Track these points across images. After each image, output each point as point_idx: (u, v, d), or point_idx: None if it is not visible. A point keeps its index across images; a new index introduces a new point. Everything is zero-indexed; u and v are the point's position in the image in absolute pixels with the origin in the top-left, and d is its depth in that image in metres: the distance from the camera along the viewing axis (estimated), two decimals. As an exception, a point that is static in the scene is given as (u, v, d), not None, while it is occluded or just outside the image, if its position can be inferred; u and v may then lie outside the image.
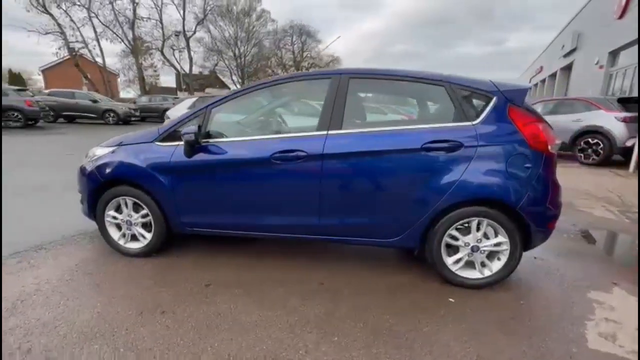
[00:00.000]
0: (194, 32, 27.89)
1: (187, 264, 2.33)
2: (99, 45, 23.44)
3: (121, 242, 2.41)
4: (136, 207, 2.35)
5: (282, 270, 2.28)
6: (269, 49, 36.71)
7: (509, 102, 1.96)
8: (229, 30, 32.13)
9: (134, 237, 2.41)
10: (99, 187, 2.35)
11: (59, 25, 20.92)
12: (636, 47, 8.77)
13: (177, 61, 28.68)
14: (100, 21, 22.91)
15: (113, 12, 23.54)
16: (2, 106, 11.00)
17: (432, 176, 1.94)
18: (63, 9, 20.60)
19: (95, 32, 22.87)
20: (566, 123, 6.98)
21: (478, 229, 1.99)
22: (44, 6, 19.87)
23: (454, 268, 2.07)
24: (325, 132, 2.04)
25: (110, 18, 23.39)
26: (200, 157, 2.15)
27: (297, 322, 1.72)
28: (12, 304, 1.80)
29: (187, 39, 27.43)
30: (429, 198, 1.95)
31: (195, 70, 31.67)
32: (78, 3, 21.02)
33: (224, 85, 35.64)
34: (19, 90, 12.10)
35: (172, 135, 2.25)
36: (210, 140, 2.17)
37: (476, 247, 2.01)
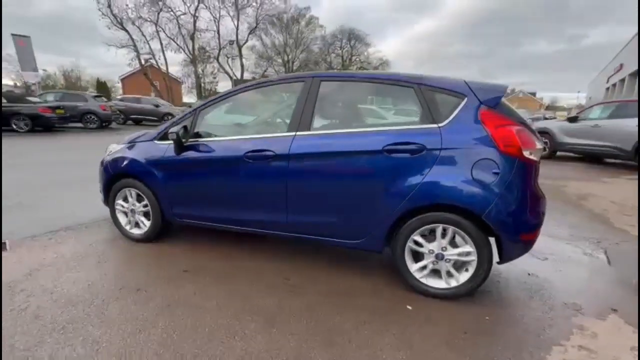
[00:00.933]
0: (246, 41, 29.76)
1: (177, 251, 2.58)
2: (164, 55, 26.32)
3: (127, 227, 2.76)
4: (139, 198, 2.66)
5: (258, 263, 2.41)
6: (317, 54, 37.59)
7: (481, 103, 1.85)
8: (278, 37, 33.62)
9: (136, 224, 2.74)
10: (111, 179, 2.72)
11: (132, 39, 24.05)
12: None
13: (230, 68, 30.84)
14: (166, 34, 25.69)
15: (177, 26, 26.17)
16: (83, 110, 12.97)
17: (393, 179, 1.90)
18: (136, 26, 23.60)
19: (161, 44, 25.78)
20: (628, 128, 6.08)
21: (444, 236, 1.90)
22: (121, 24, 23.01)
23: (418, 275, 2.00)
24: (293, 134, 2.12)
25: (175, 31, 26.08)
26: (186, 154, 2.38)
27: (247, 311, 1.82)
28: (29, 271, 2.19)
29: (240, 47, 29.34)
30: (390, 201, 1.92)
31: (248, 76, 33.66)
32: (149, 20, 23.88)
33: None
34: (95, 96, 14.14)
35: (167, 134, 2.52)
36: (199, 140, 2.39)
37: (441, 255, 1.92)
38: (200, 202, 2.46)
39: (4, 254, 2.43)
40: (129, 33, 23.68)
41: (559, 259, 2.61)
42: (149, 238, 2.70)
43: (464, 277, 1.92)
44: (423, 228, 1.91)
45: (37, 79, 17.01)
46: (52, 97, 13.14)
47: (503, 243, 1.83)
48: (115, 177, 2.70)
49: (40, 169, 5.49)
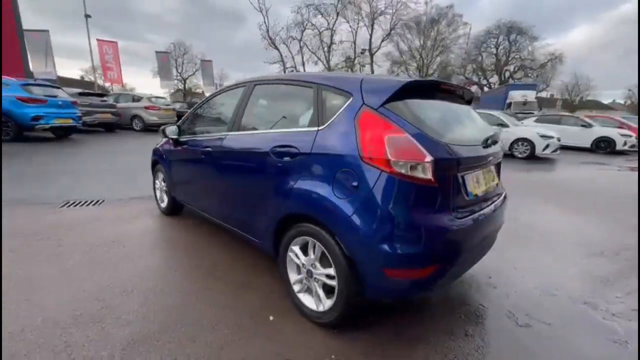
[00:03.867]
0: (378, 48, 30.35)
1: (187, 226, 3.23)
2: (303, 68, 30.11)
3: (159, 202, 3.62)
4: (164, 179, 3.46)
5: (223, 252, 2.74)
6: (459, 55, 34.27)
7: (363, 104, 1.56)
8: (415, 41, 32.60)
9: (162, 200, 3.56)
10: (152, 163, 3.64)
11: (281, 56, 28.77)
12: None
13: (361, 76, 32.21)
14: (308, 49, 29.42)
15: (319, 40, 29.50)
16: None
17: (277, 182, 1.85)
18: (285, 44, 28.18)
19: (302, 57, 29.72)
20: None
21: (315, 252, 1.71)
22: (274, 44, 27.99)
23: (296, 289, 1.85)
24: (227, 133, 2.34)
25: (316, 46, 29.54)
26: (175, 148, 2.97)
27: (137, 285, 2.12)
28: (89, 220, 3.27)
29: (372, 55, 30.21)
30: (273, 205, 1.88)
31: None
32: (296, 38, 28.01)
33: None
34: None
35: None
36: (181, 137, 2.92)
37: (310, 272, 1.73)
38: (183, 187, 3.00)
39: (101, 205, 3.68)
40: (279, 51, 28.65)
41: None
42: (165, 213, 3.46)
43: (328, 303, 1.66)
44: (299, 238, 1.77)
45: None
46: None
47: (361, 274, 1.49)
48: (154, 162, 3.60)
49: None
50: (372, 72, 30.89)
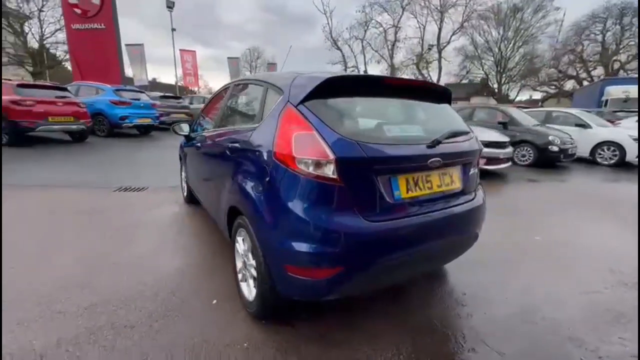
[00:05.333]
0: (448, 42, 28.22)
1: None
2: (365, 68, 29.80)
3: (182, 192, 4.08)
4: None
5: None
6: (551, 45, 29.73)
7: (288, 101, 1.58)
8: (492, 32, 29.43)
9: (184, 190, 4.01)
10: (179, 157, 4.11)
11: (343, 56, 28.94)
12: None
13: (428, 73, 30.40)
14: (371, 47, 28.96)
15: (384, 38, 28.82)
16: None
17: (227, 176, 1.96)
18: (348, 45, 28.25)
19: (364, 57, 29.37)
20: None
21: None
22: (337, 45, 28.30)
23: (239, 277, 1.95)
24: (213, 130, 2.55)
25: (380, 44, 28.92)
26: (187, 143, 3.33)
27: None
28: (128, 204, 3.88)
29: (440, 51, 28.27)
30: (224, 198, 2.01)
31: (450, 79, 32.01)
32: (359, 38, 27.87)
33: (494, 93, 32.56)
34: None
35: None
36: (193, 133, 3.26)
37: (245, 263, 1.81)
38: (190, 177, 3.35)
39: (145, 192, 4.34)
40: (342, 52, 28.85)
41: None
42: (186, 201, 3.89)
43: (254, 293, 1.72)
44: (240, 230, 1.87)
45: None
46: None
47: (269, 268, 1.51)
48: (179, 156, 4.07)
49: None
50: (440, 68, 28.95)
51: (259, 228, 1.54)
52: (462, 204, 1.77)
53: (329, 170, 1.37)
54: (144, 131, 11.05)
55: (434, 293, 2.11)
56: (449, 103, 2.09)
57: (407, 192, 1.54)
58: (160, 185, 4.62)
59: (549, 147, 7.19)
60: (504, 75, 30.31)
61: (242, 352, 1.54)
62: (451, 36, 27.90)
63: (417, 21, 28.41)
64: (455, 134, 1.77)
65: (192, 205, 3.80)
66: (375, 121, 1.64)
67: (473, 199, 1.86)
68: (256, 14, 77.46)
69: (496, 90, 30.79)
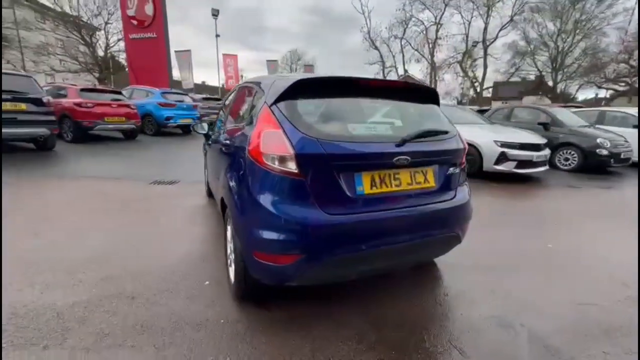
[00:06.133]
0: (495, 38, 26.44)
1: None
2: (403, 66, 29.04)
3: (205, 185, 4.45)
4: (207, 166, 4.26)
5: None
6: (619, 37, 26.52)
7: (265, 101, 1.74)
8: (548, 25, 27.00)
9: (205, 184, 4.36)
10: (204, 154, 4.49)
11: (381, 56, 28.46)
12: None
13: (472, 72, 28.78)
14: (411, 46, 28.16)
15: (425, 36, 27.87)
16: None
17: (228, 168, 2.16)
18: (386, 44, 27.75)
19: (403, 56, 28.62)
20: None
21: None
22: (374, 45, 27.95)
23: (228, 261, 2.14)
24: (224, 127, 2.80)
25: (420, 43, 28.00)
26: (207, 142, 3.65)
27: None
28: (158, 195, 4.33)
29: (486, 48, 26.58)
30: (221, 189, 2.22)
31: (499, 77, 30.02)
32: (398, 37, 27.26)
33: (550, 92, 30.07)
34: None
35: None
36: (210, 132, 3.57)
37: (232, 248, 2.00)
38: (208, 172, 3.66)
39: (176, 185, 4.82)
40: (379, 51, 28.42)
41: None
42: (207, 194, 4.23)
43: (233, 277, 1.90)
44: (229, 219, 2.06)
45: None
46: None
47: (242, 254, 1.67)
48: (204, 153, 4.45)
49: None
50: (486, 66, 27.22)
51: (234, 216, 1.71)
52: (437, 202, 1.78)
53: (291, 165, 1.49)
54: (187, 131, 11.99)
55: (415, 292, 2.12)
56: (436, 103, 2.09)
57: (371, 188, 1.61)
58: (191, 180, 5.06)
59: (597, 150, 6.53)
60: (560, 72, 27.64)
61: (217, 326, 1.73)
62: (499, 31, 26.14)
63: (462, 17, 27.07)
64: (429, 133, 1.79)
65: (211, 199, 4.13)
66: (341, 120, 1.72)
67: (452, 199, 1.85)
68: (300, 16, 79.33)
69: (553, 88, 28.20)
